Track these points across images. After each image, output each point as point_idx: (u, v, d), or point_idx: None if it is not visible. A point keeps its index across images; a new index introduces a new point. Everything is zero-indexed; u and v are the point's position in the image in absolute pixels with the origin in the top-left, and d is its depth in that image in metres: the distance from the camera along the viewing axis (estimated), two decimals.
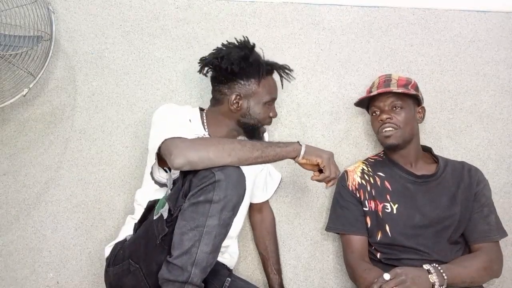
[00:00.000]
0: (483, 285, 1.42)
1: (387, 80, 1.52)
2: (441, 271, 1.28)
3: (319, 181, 1.31)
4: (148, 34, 1.67)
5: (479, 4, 1.75)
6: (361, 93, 1.69)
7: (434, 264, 1.30)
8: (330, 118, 1.70)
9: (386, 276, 1.25)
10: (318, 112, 1.70)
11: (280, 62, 1.51)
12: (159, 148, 1.27)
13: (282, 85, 1.50)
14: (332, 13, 1.73)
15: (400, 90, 1.45)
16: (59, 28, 1.63)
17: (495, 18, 1.75)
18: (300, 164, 1.31)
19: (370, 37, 1.73)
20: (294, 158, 1.29)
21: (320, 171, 1.30)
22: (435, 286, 1.26)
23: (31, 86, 1.48)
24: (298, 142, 1.31)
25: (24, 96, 1.48)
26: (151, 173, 1.38)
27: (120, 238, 1.39)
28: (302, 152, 1.28)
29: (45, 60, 1.51)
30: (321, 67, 1.71)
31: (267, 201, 1.63)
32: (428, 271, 1.28)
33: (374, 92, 1.48)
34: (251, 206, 1.62)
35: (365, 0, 1.73)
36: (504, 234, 1.45)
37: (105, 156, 1.63)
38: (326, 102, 1.71)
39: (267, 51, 1.67)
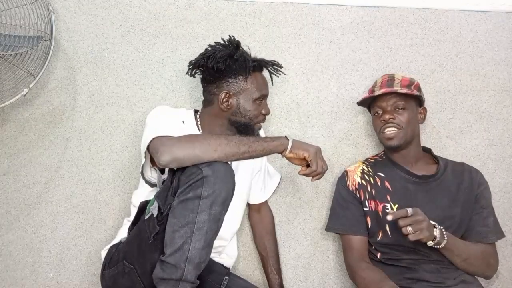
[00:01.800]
0: (483, 284, 1.42)
1: (390, 79, 1.51)
2: (444, 232, 1.32)
3: (306, 175, 1.31)
4: (148, 34, 1.67)
5: (479, 4, 1.75)
6: (361, 93, 1.69)
7: (440, 227, 1.33)
8: (330, 118, 1.70)
9: (410, 210, 1.27)
10: (318, 112, 1.70)
11: (280, 62, 1.51)
12: (149, 148, 1.28)
13: (272, 81, 1.49)
14: (332, 13, 1.73)
15: (404, 91, 1.44)
16: (59, 28, 1.63)
17: (495, 18, 1.75)
18: (288, 158, 1.31)
19: (370, 37, 1.73)
20: (281, 153, 1.29)
21: (308, 165, 1.31)
22: (435, 240, 1.29)
23: (31, 86, 1.48)
24: (285, 136, 1.30)
25: (24, 96, 1.48)
26: (142, 173, 1.38)
27: (116, 241, 1.39)
28: (289, 146, 1.28)
29: (45, 60, 1.51)
30: (321, 67, 1.71)
31: (266, 201, 1.62)
32: (434, 226, 1.30)
33: (378, 92, 1.47)
34: (250, 206, 1.62)
35: (365, 0, 1.73)
36: (501, 235, 1.46)
37: (105, 156, 1.63)
38: (326, 102, 1.71)
39: (267, 51, 1.68)
